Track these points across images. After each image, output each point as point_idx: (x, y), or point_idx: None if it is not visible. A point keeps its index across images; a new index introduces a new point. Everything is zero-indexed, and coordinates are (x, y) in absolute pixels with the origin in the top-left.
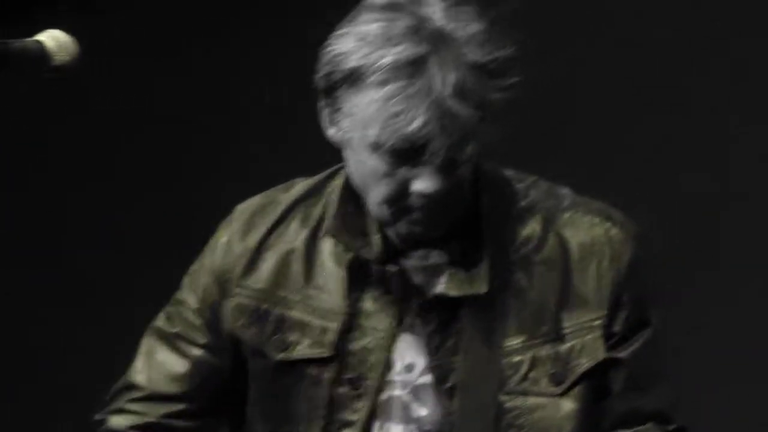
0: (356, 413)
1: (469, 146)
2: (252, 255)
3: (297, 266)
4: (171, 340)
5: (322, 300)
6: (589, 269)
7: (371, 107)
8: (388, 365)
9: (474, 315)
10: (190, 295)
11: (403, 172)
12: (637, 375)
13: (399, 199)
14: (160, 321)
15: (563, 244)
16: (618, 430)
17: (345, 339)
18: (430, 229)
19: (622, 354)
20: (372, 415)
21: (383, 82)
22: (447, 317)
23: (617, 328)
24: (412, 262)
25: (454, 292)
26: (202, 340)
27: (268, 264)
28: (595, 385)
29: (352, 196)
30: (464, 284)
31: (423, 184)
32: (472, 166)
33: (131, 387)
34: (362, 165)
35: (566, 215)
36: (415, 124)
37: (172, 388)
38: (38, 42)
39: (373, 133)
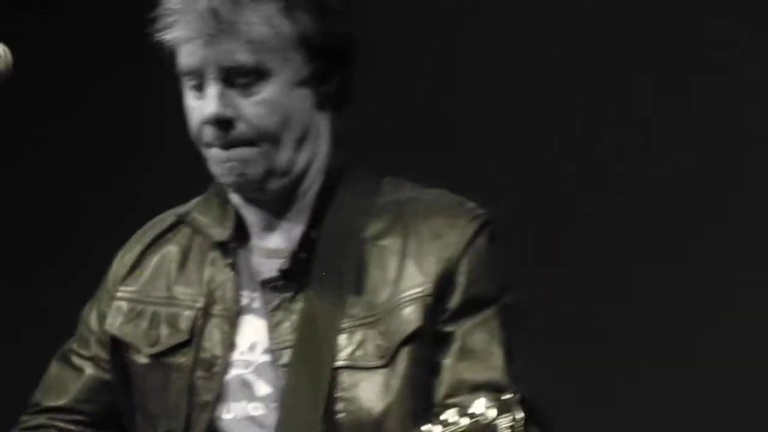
0: (210, 394)
1: (243, 59)
2: (134, 262)
3: (172, 266)
4: (65, 356)
5: (185, 293)
6: (424, 251)
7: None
8: (232, 345)
9: (313, 296)
10: (90, 311)
11: (200, 102)
12: (469, 348)
13: (204, 132)
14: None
15: (406, 232)
16: (446, 400)
17: (199, 323)
18: (245, 167)
19: (454, 328)
20: (220, 395)
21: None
22: (287, 298)
23: (450, 304)
24: (258, 244)
25: (287, 274)
26: (91, 353)
27: (146, 267)
28: (422, 357)
29: (217, 190)
30: (301, 267)
31: (205, 107)
32: (276, 96)
33: (29, 405)
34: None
35: (416, 206)
36: (183, 34)
37: (61, 401)
38: None
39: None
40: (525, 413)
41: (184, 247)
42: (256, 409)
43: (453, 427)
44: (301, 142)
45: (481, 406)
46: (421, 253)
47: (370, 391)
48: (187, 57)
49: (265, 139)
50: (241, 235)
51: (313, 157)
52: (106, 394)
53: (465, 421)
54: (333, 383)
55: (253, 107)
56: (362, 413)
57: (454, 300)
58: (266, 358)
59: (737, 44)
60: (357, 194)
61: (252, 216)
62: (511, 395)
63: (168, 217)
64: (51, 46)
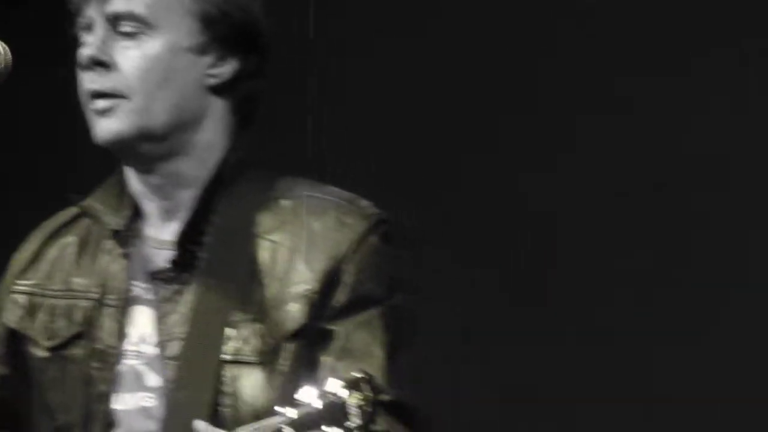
0: (105, 385)
1: (133, 7)
2: (32, 255)
3: (70, 257)
4: None
5: (81, 284)
6: (314, 248)
7: None
8: (124, 336)
9: (203, 289)
10: None
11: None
12: (350, 347)
13: (82, 80)
14: None
15: (299, 228)
16: None
17: (93, 314)
18: (118, 122)
19: (336, 326)
20: (115, 386)
21: None
22: (176, 290)
23: (335, 302)
24: (152, 234)
25: (177, 266)
26: None
27: (45, 260)
28: (305, 354)
29: (118, 178)
30: (191, 259)
31: (83, 50)
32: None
33: None
34: None
35: (309, 202)
36: None
37: None
38: None
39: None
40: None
41: (83, 237)
42: (147, 400)
43: (307, 408)
44: (180, 111)
45: (334, 385)
46: (311, 251)
47: (252, 387)
48: (81, 8)
49: (138, 92)
50: (136, 224)
51: (200, 138)
52: (4, 390)
53: (317, 400)
54: (218, 377)
55: (133, 58)
56: (244, 408)
57: (340, 298)
58: (156, 349)
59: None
60: (252, 189)
61: (147, 205)
62: (361, 374)
63: (70, 209)
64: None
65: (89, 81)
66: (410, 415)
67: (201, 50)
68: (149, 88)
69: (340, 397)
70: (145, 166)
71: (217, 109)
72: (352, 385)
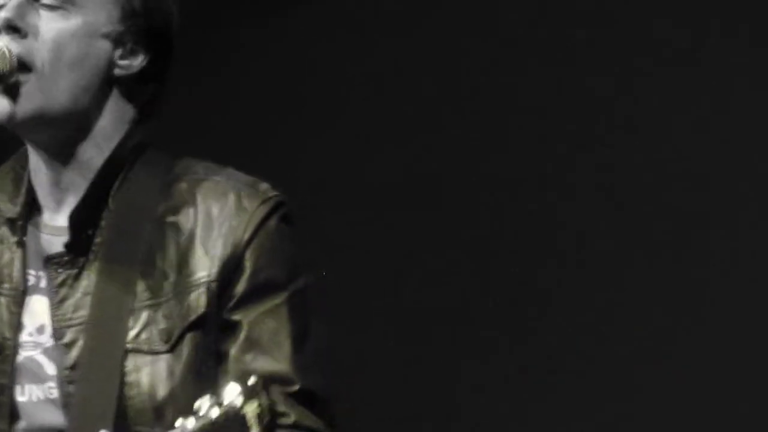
0: (4, 377)
1: None
2: None
3: None
4: None
5: None
6: (213, 233)
7: None
8: (20, 326)
9: (101, 274)
10: None
11: None
12: (256, 338)
13: None
14: None
15: (196, 211)
16: None
17: None
18: (20, 98)
19: (240, 317)
20: (14, 378)
21: None
22: (71, 275)
23: (237, 291)
24: (46, 221)
25: (71, 250)
26: None
27: None
28: (207, 344)
29: (15, 163)
30: (86, 243)
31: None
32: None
33: None
34: None
35: (207, 185)
36: None
37: None
38: None
39: None
40: (306, 403)
41: None
42: (50, 391)
43: (204, 420)
44: (83, 94)
45: (232, 393)
46: (209, 237)
47: (153, 376)
48: None
49: (47, 66)
50: (31, 211)
51: (98, 125)
52: None
53: (216, 411)
54: (121, 366)
55: (50, 30)
56: (145, 398)
57: (241, 286)
58: (53, 341)
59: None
60: (149, 172)
61: (42, 190)
62: (256, 380)
63: None
64: None
65: (1, 42)
66: (321, 403)
67: (116, 39)
68: (60, 64)
69: (237, 408)
70: (42, 148)
71: (119, 101)
72: (250, 393)
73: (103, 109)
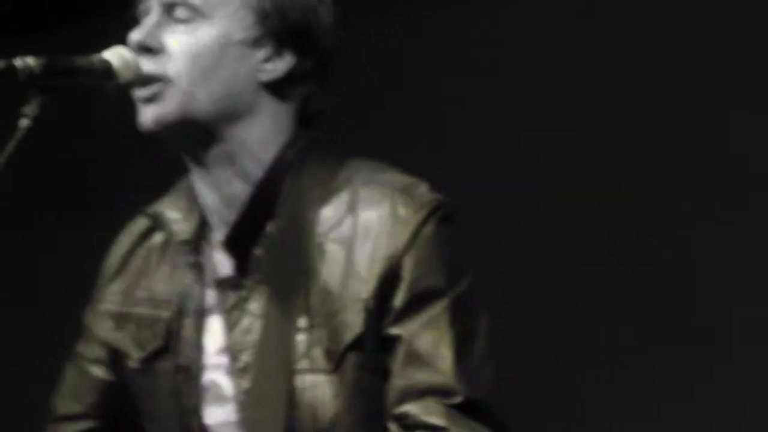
0: (192, 399)
1: None
2: (120, 264)
3: (153, 265)
4: (75, 360)
5: (163, 293)
6: (369, 246)
7: None
8: (202, 348)
9: (267, 296)
10: (88, 314)
11: None
12: (417, 351)
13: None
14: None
15: (355, 222)
16: (395, 407)
17: (173, 327)
18: (159, 106)
19: (400, 331)
20: (201, 400)
21: None
22: (242, 296)
23: (395, 302)
24: (217, 237)
25: (243, 273)
26: (96, 355)
27: (131, 268)
28: (369, 362)
29: (185, 182)
30: (256, 264)
31: (132, 35)
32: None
33: (50, 413)
34: None
35: (365, 193)
36: None
37: (74, 408)
38: (104, 59)
39: None
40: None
41: (164, 243)
42: (231, 413)
43: None
44: (227, 102)
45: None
46: (366, 251)
47: (319, 397)
48: None
49: (184, 77)
50: (204, 230)
51: (252, 133)
52: (116, 396)
53: None
54: (291, 389)
55: (183, 43)
56: (313, 419)
57: (398, 300)
58: (230, 361)
59: None
60: (312, 181)
61: (208, 207)
62: (460, 399)
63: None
64: None
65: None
66: (487, 413)
67: (254, 44)
68: (195, 74)
69: None
70: (198, 162)
71: (272, 107)
72: (400, 418)
73: (256, 118)
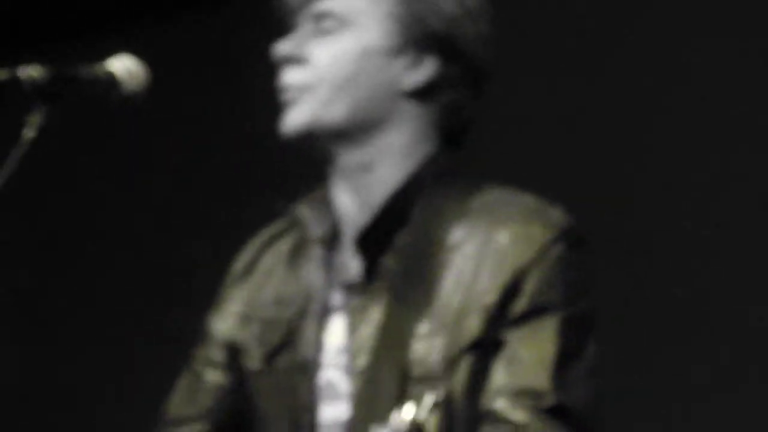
0: (307, 396)
1: (332, 5)
2: (248, 264)
3: (282, 264)
4: (193, 363)
5: (290, 292)
6: (496, 260)
7: None
8: (322, 346)
9: (391, 302)
10: (211, 316)
11: None
12: (518, 355)
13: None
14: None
15: (486, 239)
16: (487, 405)
17: (295, 324)
18: (295, 107)
19: (510, 335)
20: (315, 397)
21: None
22: (366, 301)
23: (512, 313)
24: (348, 240)
25: (372, 278)
26: (214, 358)
27: (260, 268)
28: (482, 367)
29: (322, 190)
30: (376, 269)
31: (280, 47)
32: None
33: (161, 416)
34: None
35: (496, 213)
36: None
37: (188, 410)
38: (108, 69)
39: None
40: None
41: (295, 245)
42: (344, 412)
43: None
44: (365, 109)
45: (411, 411)
46: (495, 262)
47: (431, 400)
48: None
49: (325, 84)
50: (336, 231)
51: (391, 141)
52: (230, 401)
53: (403, 427)
54: (404, 394)
55: (326, 52)
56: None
57: (517, 308)
58: (349, 360)
59: None
60: (446, 197)
61: (342, 210)
62: (551, 402)
63: (285, 217)
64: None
65: (284, 75)
66: (579, 421)
67: (395, 52)
68: (336, 81)
69: (420, 422)
70: (334, 165)
71: (413, 114)
72: (430, 409)
73: (397, 126)
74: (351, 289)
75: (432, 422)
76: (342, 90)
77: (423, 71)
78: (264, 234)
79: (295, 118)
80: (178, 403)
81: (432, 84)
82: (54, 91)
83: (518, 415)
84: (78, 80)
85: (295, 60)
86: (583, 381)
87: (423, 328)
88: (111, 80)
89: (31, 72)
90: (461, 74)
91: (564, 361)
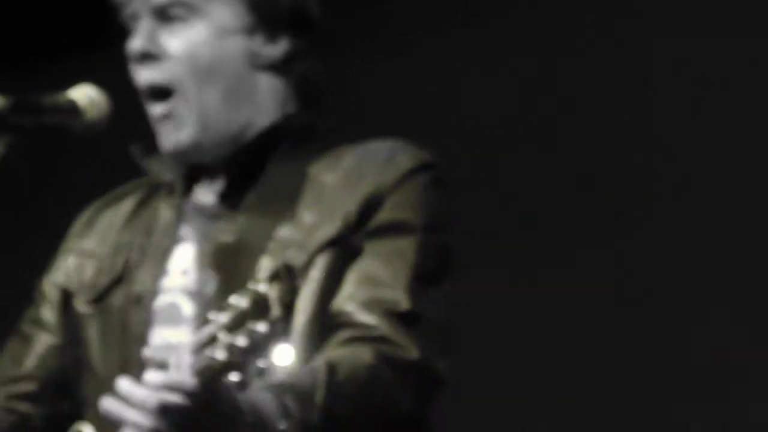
0: (140, 326)
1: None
2: (87, 220)
3: (124, 217)
4: (22, 324)
5: (129, 237)
6: (359, 178)
7: None
8: (164, 272)
9: (245, 223)
10: (45, 276)
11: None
12: (374, 273)
13: (136, 77)
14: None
15: (347, 165)
16: (338, 308)
17: (134, 260)
18: (176, 128)
19: (367, 246)
20: (149, 326)
21: None
22: (219, 225)
23: (370, 225)
24: (203, 185)
25: (223, 199)
26: (42, 318)
27: (99, 223)
28: (336, 269)
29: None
30: (236, 196)
31: (131, 44)
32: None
33: None
34: None
35: (364, 146)
36: None
37: (14, 371)
38: (70, 98)
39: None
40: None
41: (141, 200)
42: (185, 335)
43: (234, 309)
44: (234, 93)
45: (256, 282)
46: (358, 179)
47: (267, 270)
48: (126, 2)
49: (189, 81)
50: (194, 179)
51: (255, 112)
52: (58, 360)
53: (245, 299)
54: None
55: (181, 45)
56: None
57: (375, 221)
58: (195, 282)
59: None
60: (311, 145)
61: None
62: (404, 309)
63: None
64: None
65: (141, 74)
66: (430, 329)
67: (249, 30)
68: (199, 75)
69: (262, 292)
70: (212, 159)
71: (272, 87)
72: (273, 277)
73: (257, 100)
74: (202, 215)
75: (274, 291)
76: (208, 82)
77: (279, 47)
78: (106, 197)
79: (178, 140)
80: (4, 365)
81: (287, 57)
82: (16, 120)
83: (368, 317)
84: (41, 109)
85: (152, 57)
86: (437, 304)
87: (274, 242)
88: (73, 109)
89: None
90: (311, 44)
91: (419, 282)
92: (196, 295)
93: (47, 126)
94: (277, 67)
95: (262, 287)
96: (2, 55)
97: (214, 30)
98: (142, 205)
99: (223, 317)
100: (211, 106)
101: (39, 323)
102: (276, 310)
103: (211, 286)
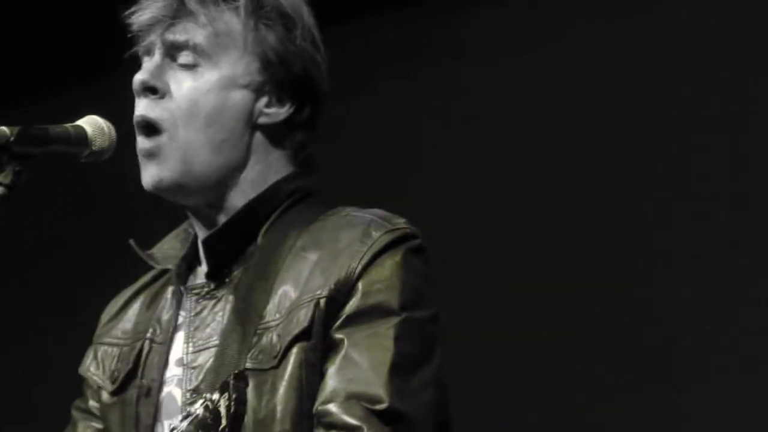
0: (149, 417)
1: (192, 37)
2: (116, 312)
3: (141, 308)
4: (72, 412)
5: (141, 327)
6: (334, 257)
7: None
8: (167, 364)
9: (233, 303)
10: (82, 368)
11: None
12: (355, 359)
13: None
14: None
15: (326, 242)
16: (321, 406)
17: (144, 351)
18: (160, 166)
19: (343, 336)
20: (155, 417)
21: None
22: (209, 306)
23: (345, 310)
24: (202, 269)
25: (210, 278)
26: (86, 405)
27: (125, 315)
28: (311, 360)
29: (188, 224)
30: (221, 278)
31: (137, 75)
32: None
33: None
34: None
35: (344, 220)
36: (145, 17)
37: None
38: (78, 127)
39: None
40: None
41: (157, 290)
42: (176, 422)
43: (192, 417)
44: (227, 148)
45: (216, 394)
46: (330, 261)
47: (257, 392)
48: (143, 35)
49: (184, 126)
50: (193, 264)
51: (246, 175)
52: None
53: (200, 408)
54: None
55: (186, 89)
56: (249, 414)
57: (350, 307)
58: (182, 374)
59: None
60: (299, 215)
61: (201, 242)
62: (384, 406)
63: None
64: None
65: (139, 106)
66: (411, 426)
67: (257, 89)
68: (195, 121)
69: (214, 402)
70: (193, 202)
71: (267, 149)
72: (222, 387)
73: (249, 159)
74: (192, 296)
75: (224, 400)
76: (202, 130)
77: (282, 110)
78: (132, 287)
79: (159, 175)
80: None
81: (288, 122)
82: (25, 149)
83: (350, 418)
84: (49, 139)
85: (154, 92)
86: (422, 389)
87: (260, 325)
88: (80, 138)
89: (1, 130)
90: (312, 114)
91: (402, 370)
92: (184, 387)
93: (55, 155)
94: (276, 130)
95: (216, 396)
96: (10, 85)
97: (222, 80)
98: (155, 296)
99: (183, 425)
100: (198, 151)
101: (83, 411)
102: (222, 422)
103: (194, 380)
